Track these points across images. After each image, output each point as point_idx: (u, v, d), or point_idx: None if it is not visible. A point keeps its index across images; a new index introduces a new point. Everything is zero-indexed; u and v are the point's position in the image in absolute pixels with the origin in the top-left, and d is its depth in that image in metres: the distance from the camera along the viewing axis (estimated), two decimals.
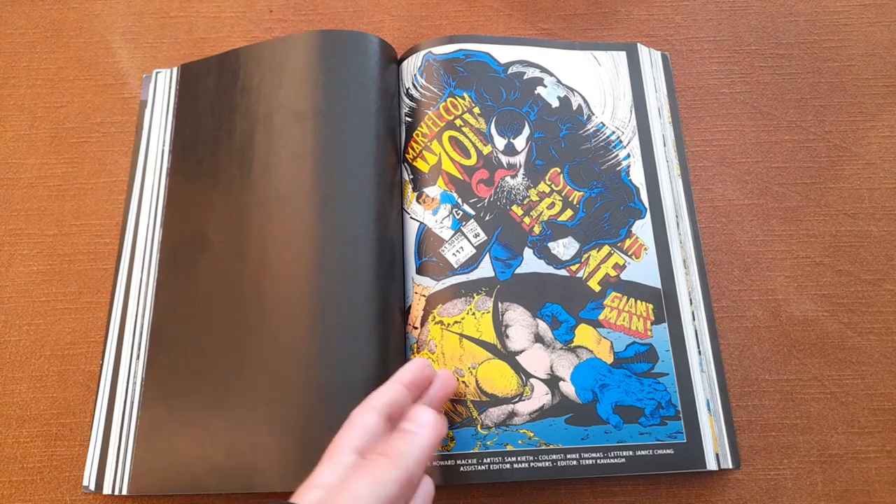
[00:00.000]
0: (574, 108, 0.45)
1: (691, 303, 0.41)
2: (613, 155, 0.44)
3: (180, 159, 0.44)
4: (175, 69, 0.47)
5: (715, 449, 0.37)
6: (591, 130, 0.44)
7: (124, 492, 0.37)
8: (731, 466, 0.37)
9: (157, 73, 0.48)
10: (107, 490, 0.37)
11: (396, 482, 0.28)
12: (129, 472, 0.37)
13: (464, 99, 0.44)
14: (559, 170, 0.43)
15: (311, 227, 0.39)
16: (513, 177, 0.43)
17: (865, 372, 0.41)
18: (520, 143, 0.44)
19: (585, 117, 0.45)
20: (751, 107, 0.47)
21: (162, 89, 0.47)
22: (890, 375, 0.40)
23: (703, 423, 0.38)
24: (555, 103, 0.45)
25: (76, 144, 0.47)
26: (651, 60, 0.47)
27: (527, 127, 0.44)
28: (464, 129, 0.44)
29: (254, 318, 0.39)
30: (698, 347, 0.39)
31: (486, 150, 0.43)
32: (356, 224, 0.40)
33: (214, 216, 0.42)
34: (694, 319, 0.40)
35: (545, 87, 0.45)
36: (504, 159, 0.43)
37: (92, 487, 0.37)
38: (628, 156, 0.44)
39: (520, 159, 0.43)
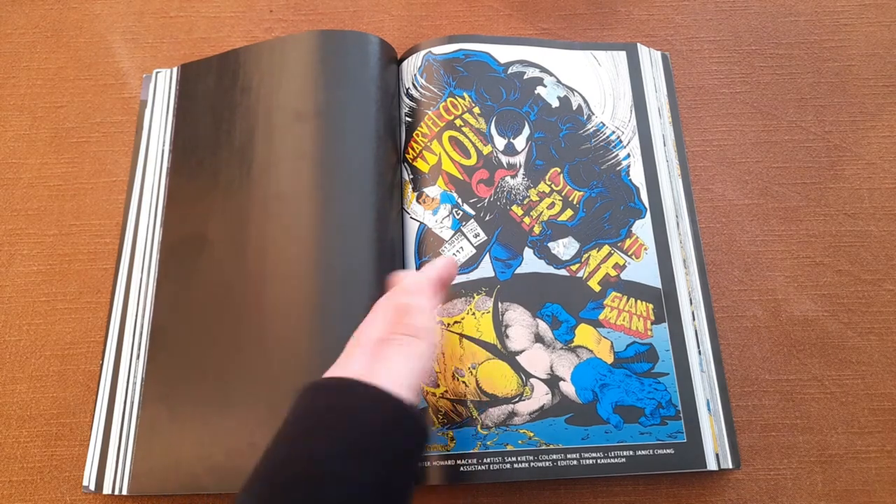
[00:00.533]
0: (574, 107, 0.45)
1: (691, 303, 0.41)
2: (613, 155, 0.44)
3: (180, 159, 0.44)
4: (175, 69, 0.47)
5: (715, 449, 0.37)
6: (591, 130, 0.44)
7: (124, 492, 0.37)
8: (731, 466, 0.37)
9: (157, 73, 0.48)
10: (107, 490, 0.37)
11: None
12: (129, 471, 0.37)
13: (464, 99, 0.44)
14: (559, 170, 0.43)
15: (311, 227, 0.39)
16: (513, 177, 0.43)
17: (865, 372, 0.41)
18: (520, 143, 0.44)
19: (585, 117, 0.45)
20: (751, 107, 0.47)
21: (162, 89, 0.47)
22: (890, 375, 0.40)
23: (703, 422, 0.38)
24: (555, 103, 0.45)
25: (76, 144, 0.47)
26: (651, 60, 0.47)
27: (527, 127, 0.44)
28: (464, 129, 0.44)
29: (254, 317, 0.38)
30: (698, 347, 0.39)
31: (486, 150, 0.43)
32: (356, 224, 0.39)
33: (214, 216, 0.42)
34: (694, 319, 0.40)
35: (545, 86, 0.45)
36: (504, 159, 0.43)
37: (92, 487, 0.37)
38: (628, 156, 0.44)
39: (520, 159, 0.43)
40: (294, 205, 0.40)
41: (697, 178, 0.45)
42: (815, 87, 0.48)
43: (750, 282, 0.43)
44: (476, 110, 0.44)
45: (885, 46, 0.49)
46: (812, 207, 0.45)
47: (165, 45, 0.50)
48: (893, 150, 0.46)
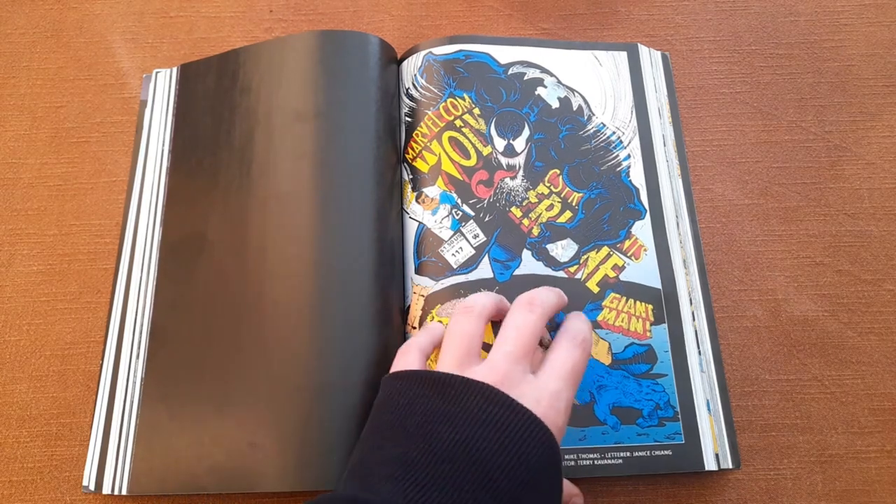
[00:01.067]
0: (574, 108, 0.45)
1: (691, 303, 0.41)
2: (614, 155, 0.44)
3: (180, 159, 0.44)
4: (175, 69, 0.47)
5: (715, 449, 0.37)
6: (592, 131, 0.44)
7: (124, 492, 0.37)
8: (730, 466, 0.37)
9: (157, 72, 0.48)
10: (106, 490, 0.37)
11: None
12: (129, 471, 0.37)
13: (464, 99, 0.44)
14: (558, 171, 0.43)
15: (311, 227, 0.39)
16: (512, 178, 0.43)
17: (865, 372, 0.41)
18: (519, 144, 0.44)
19: (586, 118, 0.45)
20: (751, 107, 0.47)
21: (162, 89, 0.47)
22: (890, 375, 0.40)
23: (703, 423, 0.38)
24: (555, 104, 0.45)
25: (76, 144, 0.47)
26: (651, 60, 0.47)
27: (527, 128, 0.44)
28: (464, 129, 0.44)
29: (253, 317, 0.39)
30: (698, 348, 0.39)
31: (485, 151, 0.43)
32: (356, 224, 0.40)
33: (214, 216, 0.42)
34: (694, 320, 0.40)
35: (545, 87, 0.45)
36: (503, 160, 0.43)
37: (92, 487, 0.37)
38: (629, 156, 0.44)
39: (519, 161, 0.43)
40: (294, 205, 0.40)
41: (697, 178, 0.45)
42: (815, 87, 0.48)
43: (750, 282, 0.43)
44: (476, 111, 0.44)
45: (885, 46, 0.49)
46: (812, 207, 0.44)
47: (165, 45, 0.50)
48: (893, 150, 0.46)
